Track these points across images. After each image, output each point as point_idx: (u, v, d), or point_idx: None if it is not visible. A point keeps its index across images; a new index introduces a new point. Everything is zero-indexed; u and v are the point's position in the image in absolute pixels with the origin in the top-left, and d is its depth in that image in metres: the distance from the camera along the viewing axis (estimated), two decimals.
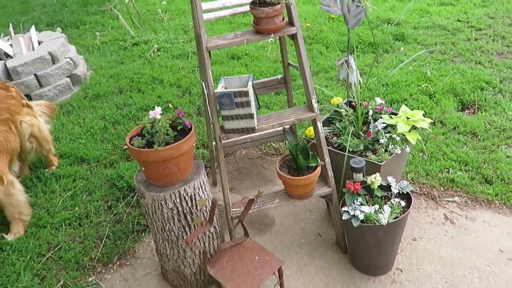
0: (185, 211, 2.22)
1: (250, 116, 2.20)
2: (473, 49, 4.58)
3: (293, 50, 4.19)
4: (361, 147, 2.49)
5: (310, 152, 2.36)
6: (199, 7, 2.20)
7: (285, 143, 3.46)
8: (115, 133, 3.81)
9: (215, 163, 3.13)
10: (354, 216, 2.21)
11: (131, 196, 3.11)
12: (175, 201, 2.18)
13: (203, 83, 2.41)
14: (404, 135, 2.46)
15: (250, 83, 2.19)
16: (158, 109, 2.18)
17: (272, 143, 3.49)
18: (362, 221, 2.20)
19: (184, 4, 6.92)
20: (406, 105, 3.53)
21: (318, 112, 2.32)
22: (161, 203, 2.18)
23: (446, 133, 3.38)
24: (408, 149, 2.49)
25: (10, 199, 2.82)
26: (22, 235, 2.85)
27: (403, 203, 2.27)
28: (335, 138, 2.61)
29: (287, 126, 2.58)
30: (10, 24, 5.06)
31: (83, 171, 3.39)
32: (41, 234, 2.86)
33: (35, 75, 4.35)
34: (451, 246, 2.55)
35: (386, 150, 2.45)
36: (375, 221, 2.20)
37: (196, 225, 2.26)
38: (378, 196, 2.28)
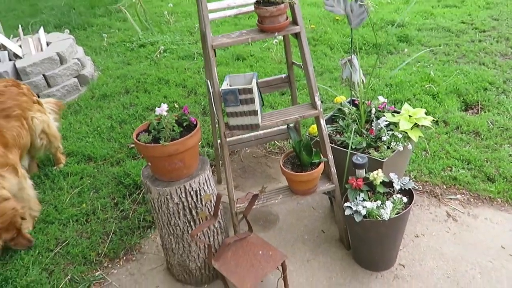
0: (190, 205, 2.26)
1: (254, 113, 2.24)
2: (477, 50, 4.60)
3: (297, 51, 4.22)
4: (364, 145, 2.52)
5: (313, 149, 2.40)
6: (205, 7, 2.24)
7: (289, 142, 3.50)
8: (121, 132, 3.86)
9: (220, 161, 3.17)
10: (356, 211, 2.24)
11: (137, 193, 3.16)
12: (180, 195, 2.22)
13: (208, 81, 2.45)
14: (406, 132, 2.49)
15: (254, 81, 2.23)
16: (165, 106, 2.23)
17: (276, 141, 3.53)
18: (364, 216, 2.23)
19: (190, 6, 6.99)
20: (410, 104, 3.55)
21: (321, 110, 2.35)
22: (166, 198, 2.22)
23: (449, 133, 3.41)
24: (410, 147, 2.52)
25: (22, 193, 2.87)
26: (31, 231, 2.91)
27: (405, 199, 2.30)
28: (338, 135, 2.65)
29: (291, 124, 2.62)
30: (19, 26, 5.14)
31: (90, 169, 3.45)
32: (49, 230, 2.92)
33: (43, 75, 4.42)
34: (453, 243, 2.58)
35: (388, 148, 2.48)
36: (377, 216, 2.23)
37: (201, 220, 2.30)
38: (380, 192, 2.31)
